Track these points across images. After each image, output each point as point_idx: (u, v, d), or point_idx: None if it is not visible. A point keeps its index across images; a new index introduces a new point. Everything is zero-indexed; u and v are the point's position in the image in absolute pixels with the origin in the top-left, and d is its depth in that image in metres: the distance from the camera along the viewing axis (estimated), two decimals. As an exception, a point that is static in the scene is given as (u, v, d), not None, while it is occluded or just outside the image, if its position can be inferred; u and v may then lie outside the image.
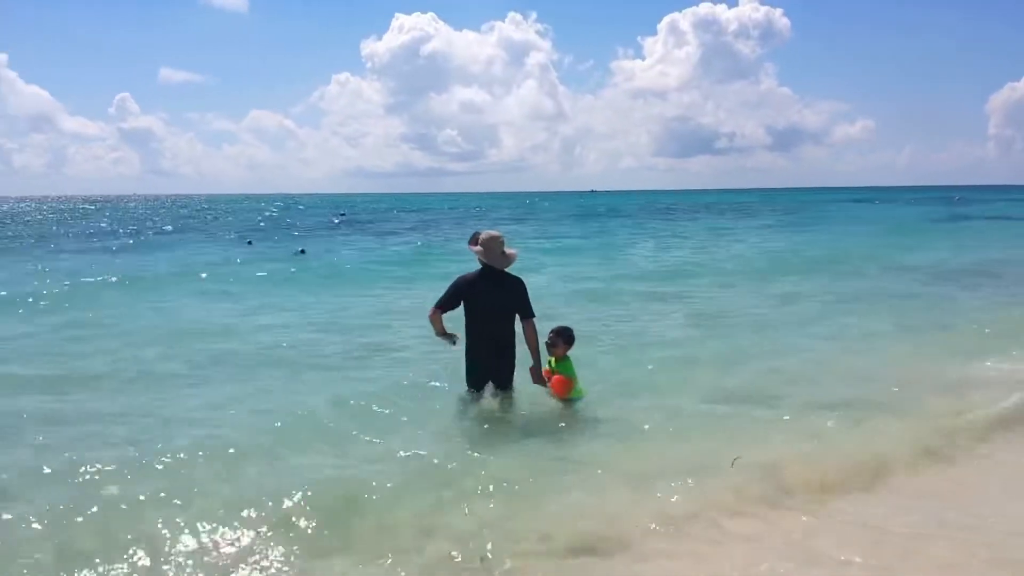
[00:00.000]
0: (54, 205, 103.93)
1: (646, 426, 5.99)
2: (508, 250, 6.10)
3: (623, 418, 6.13)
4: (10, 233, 38.05)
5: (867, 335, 9.54)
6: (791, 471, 4.97)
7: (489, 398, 6.23)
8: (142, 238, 33.99)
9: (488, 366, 6.19)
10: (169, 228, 42.73)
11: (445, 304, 6.09)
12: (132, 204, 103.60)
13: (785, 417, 6.20)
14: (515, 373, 6.32)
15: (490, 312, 6.04)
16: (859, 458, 5.24)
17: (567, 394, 6.28)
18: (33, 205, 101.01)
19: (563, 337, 6.36)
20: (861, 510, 4.55)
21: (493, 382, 6.26)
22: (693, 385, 7.21)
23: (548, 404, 6.32)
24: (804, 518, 4.42)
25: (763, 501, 4.63)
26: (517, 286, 6.10)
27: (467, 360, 6.24)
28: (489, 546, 4.00)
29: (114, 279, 16.24)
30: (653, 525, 4.28)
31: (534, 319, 6.09)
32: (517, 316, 6.12)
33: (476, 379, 6.25)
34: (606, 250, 24.83)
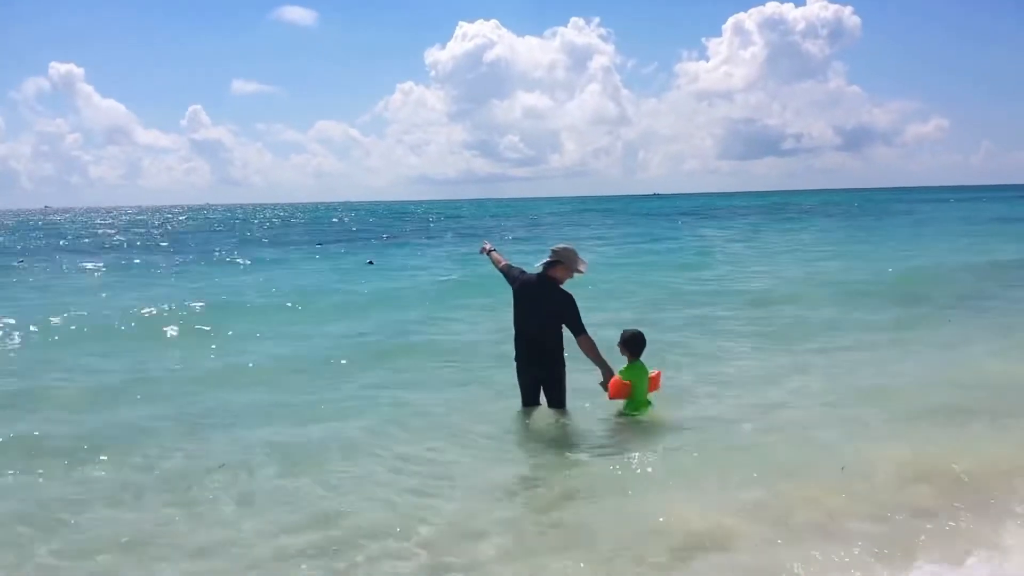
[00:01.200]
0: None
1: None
2: (580, 266, 6.12)
3: (707, 425, 6.20)
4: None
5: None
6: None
7: (544, 415, 6.22)
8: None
9: (529, 374, 6.24)
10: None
11: (504, 268, 6.48)
12: (214, 214, 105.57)
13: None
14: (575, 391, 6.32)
15: (535, 318, 6.11)
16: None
17: (620, 396, 6.13)
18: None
19: (623, 342, 6.28)
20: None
21: (545, 394, 6.26)
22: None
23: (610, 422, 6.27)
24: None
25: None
26: (565, 301, 6.07)
27: (515, 368, 6.34)
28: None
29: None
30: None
31: (587, 334, 6.04)
32: (567, 332, 6.13)
33: (524, 390, 6.32)
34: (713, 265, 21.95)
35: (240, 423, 6.79)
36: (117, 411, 7.18)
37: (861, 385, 7.43)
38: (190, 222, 71.65)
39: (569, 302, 6.07)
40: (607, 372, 6.07)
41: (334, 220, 68.28)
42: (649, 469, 5.29)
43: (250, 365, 9.09)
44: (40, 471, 5.52)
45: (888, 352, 9.02)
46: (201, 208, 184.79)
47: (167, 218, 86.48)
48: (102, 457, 5.80)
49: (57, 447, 6.05)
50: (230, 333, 11.06)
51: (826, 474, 4.97)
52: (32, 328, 11.24)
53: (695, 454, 5.57)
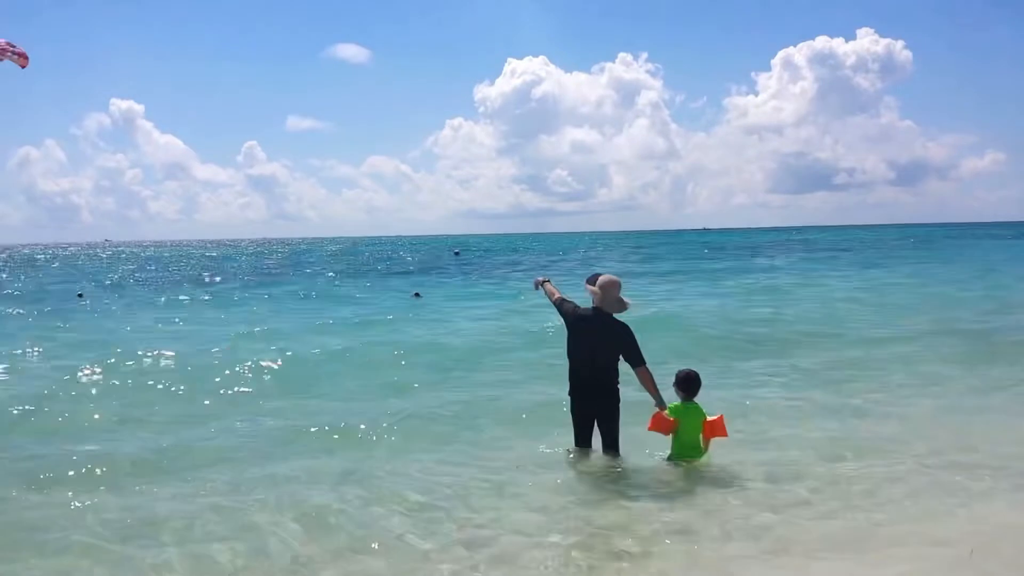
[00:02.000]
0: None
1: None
2: (624, 298, 6.02)
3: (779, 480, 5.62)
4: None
5: None
6: None
7: (598, 458, 6.00)
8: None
9: (585, 408, 6.09)
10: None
11: (558, 301, 6.32)
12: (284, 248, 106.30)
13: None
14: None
15: (590, 352, 5.98)
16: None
17: (658, 430, 5.97)
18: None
19: (676, 382, 6.11)
20: None
21: (600, 429, 6.09)
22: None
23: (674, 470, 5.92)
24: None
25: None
26: (624, 332, 5.99)
27: (569, 403, 6.19)
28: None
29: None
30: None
31: (646, 365, 5.94)
32: (624, 364, 5.99)
33: (578, 427, 6.17)
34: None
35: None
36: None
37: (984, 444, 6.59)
38: (276, 255, 70.48)
39: (628, 333, 5.98)
40: (662, 406, 5.94)
41: (387, 255, 68.40)
42: (718, 531, 4.70)
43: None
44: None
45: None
46: (261, 241, 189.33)
47: (231, 252, 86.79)
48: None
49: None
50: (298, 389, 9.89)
51: (941, 546, 4.35)
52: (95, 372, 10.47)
53: (773, 521, 4.88)
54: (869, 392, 8.84)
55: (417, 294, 24.51)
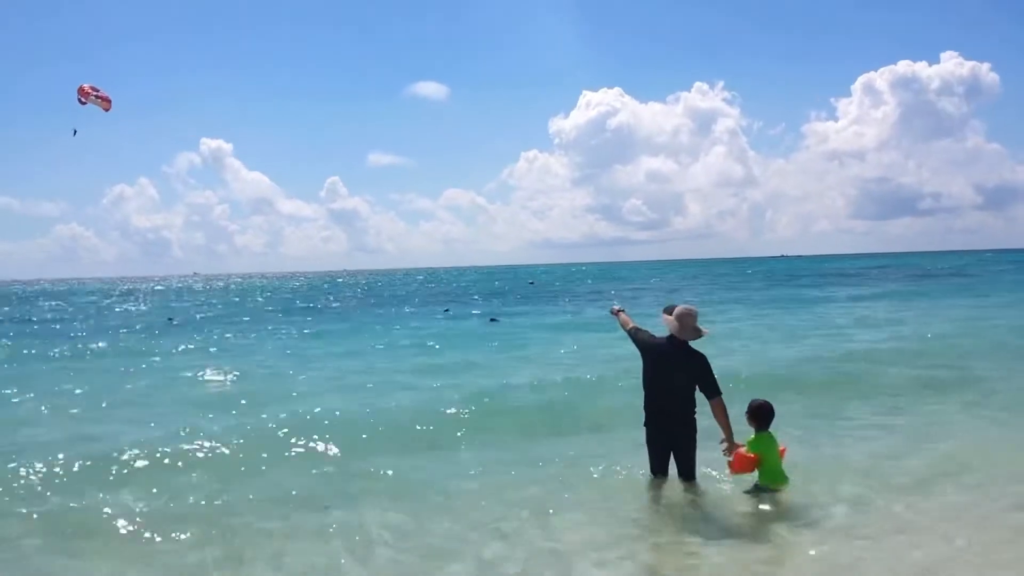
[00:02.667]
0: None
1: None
2: (700, 326, 5.95)
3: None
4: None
5: None
6: None
7: (674, 488, 5.93)
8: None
9: (661, 439, 6.01)
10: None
11: (632, 330, 6.26)
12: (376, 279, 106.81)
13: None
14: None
15: (667, 382, 5.92)
16: None
17: (744, 471, 5.86)
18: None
19: (750, 412, 5.97)
20: None
21: (676, 459, 6.02)
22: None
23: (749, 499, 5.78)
24: None
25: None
26: (700, 361, 5.91)
27: (645, 433, 6.10)
28: None
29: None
30: None
31: (721, 396, 5.83)
32: (700, 394, 5.93)
33: (654, 457, 6.09)
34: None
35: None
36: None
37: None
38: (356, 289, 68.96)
39: (704, 363, 5.91)
40: (731, 441, 5.84)
41: (457, 284, 68.46)
42: (803, 566, 4.60)
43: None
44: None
45: None
46: (339, 273, 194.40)
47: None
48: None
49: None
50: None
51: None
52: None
53: (865, 553, 4.71)
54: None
55: (494, 319, 24.74)
